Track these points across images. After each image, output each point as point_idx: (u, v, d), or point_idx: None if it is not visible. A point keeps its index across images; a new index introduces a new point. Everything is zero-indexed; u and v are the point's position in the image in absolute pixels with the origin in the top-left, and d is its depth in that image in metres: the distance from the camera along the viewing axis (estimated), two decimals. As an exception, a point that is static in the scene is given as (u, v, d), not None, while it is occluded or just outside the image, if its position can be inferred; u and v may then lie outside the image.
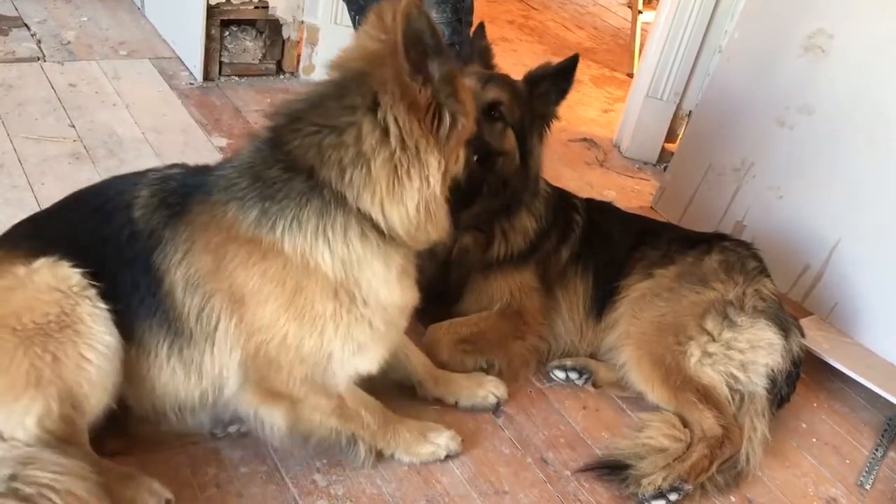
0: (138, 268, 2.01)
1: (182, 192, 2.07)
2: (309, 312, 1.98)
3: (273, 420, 2.13)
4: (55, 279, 1.93)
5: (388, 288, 2.05)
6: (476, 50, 2.84)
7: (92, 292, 1.95)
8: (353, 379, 2.16)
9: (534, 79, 2.72)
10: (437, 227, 2.02)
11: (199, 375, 2.07)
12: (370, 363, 2.14)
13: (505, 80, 2.71)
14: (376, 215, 1.93)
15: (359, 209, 1.93)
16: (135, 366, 2.04)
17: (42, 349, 1.87)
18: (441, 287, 2.82)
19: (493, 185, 2.68)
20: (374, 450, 2.28)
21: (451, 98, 1.89)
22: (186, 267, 1.98)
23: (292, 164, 1.95)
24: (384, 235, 1.98)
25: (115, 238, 2.03)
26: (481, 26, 2.91)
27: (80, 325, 1.91)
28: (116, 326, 1.98)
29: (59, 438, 1.87)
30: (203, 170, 2.16)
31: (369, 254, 1.98)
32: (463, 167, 2.06)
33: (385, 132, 1.86)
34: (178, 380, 2.07)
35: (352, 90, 1.90)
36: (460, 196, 2.16)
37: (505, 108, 2.64)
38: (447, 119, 1.90)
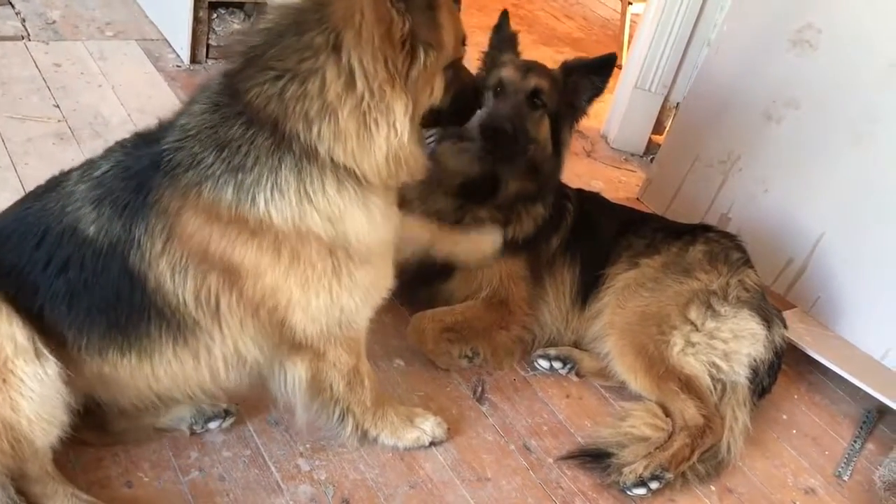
0: (114, 278, 1.87)
1: (134, 183, 1.87)
2: (311, 275, 1.91)
3: (297, 371, 2.09)
4: None
5: (375, 232, 1.97)
6: (503, 38, 2.86)
7: (30, 350, 1.82)
8: (369, 317, 2.13)
9: (568, 69, 2.75)
10: (410, 172, 1.94)
11: (210, 357, 1.99)
12: (379, 298, 2.11)
13: (544, 69, 2.75)
14: (350, 165, 1.85)
15: (332, 159, 1.83)
16: (133, 372, 1.98)
17: None
18: (431, 263, 2.82)
19: (524, 170, 2.71)
20: (360, 428, 2.27)
21: (428, 26, 1.78)
22: (170, 255, 1.85)
23: (254, 116, 1.81)
24: (360, 181, 1.89)
25: (75, 260, 1.87)
26: (505, 15, 2.92)
27: (10, 377, 1.80)
28: (103, 343, 1.92)
29: (8, 464, 1.84)
30: (146, 141, 1.95)
31: (349, 204, 1.89)
32: (443, 93, 1.95)
33: (351, 76, 1.74)
34: (188, 368, 1.99)
35: (311, 24, 1.76)
36: (448, 117, 2.10)
37: (546, 97, 2.68)
38: (421, 56, 1.79)
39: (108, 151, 1.99)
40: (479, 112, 2.42)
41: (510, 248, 2.80)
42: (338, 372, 2.13)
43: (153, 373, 1.98)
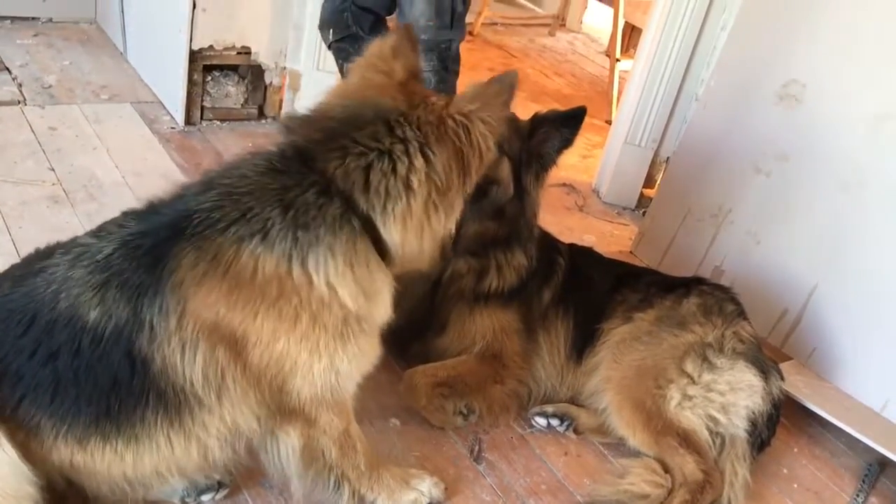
0: (114, 364, 1.83)
1: (149, 260, 1.83)
2: (322, 339, 1.92)
3: (289, 440, 2.06)
4: None
5: (387, 313, 2.06)
6: None
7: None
8: (357, 385, 2.13)
9: (538, 120, 2.77)
10: (431, 263, 2.07)
11: (206, 434, 1.94)
12: (369, 366, 2.13)
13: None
14: (396, 249, 1.95)
15: (385, 239, 1.94)
16: (111, 461, 1.91)
17: None
18: (425, 312, 2.82)
19: (488, 211, 2.71)
20: (357, 494, 2.22)
21: (489, 150, 1.98)
22: (183, 331, 1.82)
23: (329, 185, 1.88)
24: (390, 264, 1.99)
25: (67, 348, 1.82)
26: None
27: None
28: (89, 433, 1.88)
29: None
30: (152, 213, 1.94)
31: (380, 283, 1.98)
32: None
33: (431, 171, 1.90)
34: (177, 451, 1.94)
35: (399, 122, 1.90)
36: None
37: (503, 139, 2.68)
38: (477, 174, 2.00)
39: (103, 233, 1.94)
40: None
41: (498, 300, 2.79)
42: (329, 438, 2.11)
43: (135, 460, 1.92)
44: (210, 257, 1.81)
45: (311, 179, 1.88)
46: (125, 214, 1.99)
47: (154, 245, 1.84)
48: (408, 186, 1.89)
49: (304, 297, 1.87)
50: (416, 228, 1.94)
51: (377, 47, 2.03)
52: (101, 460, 1.91)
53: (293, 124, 2.01)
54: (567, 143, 2.76)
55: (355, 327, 1.97)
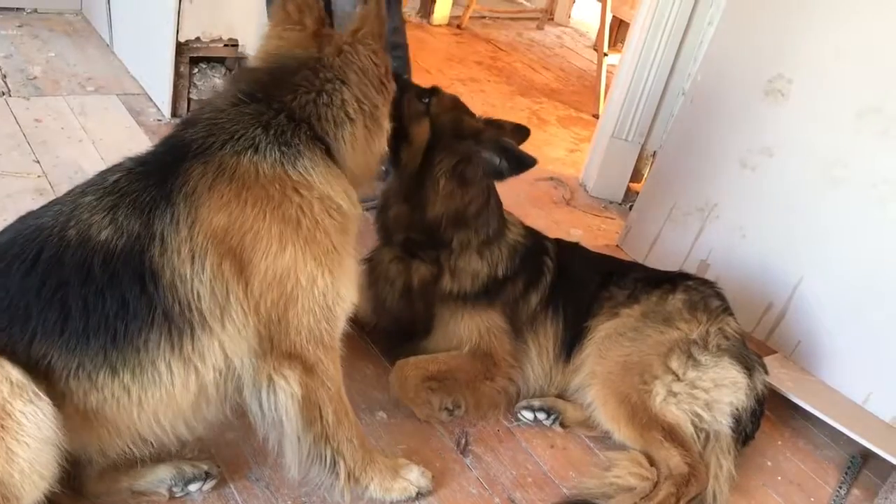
0: (124, 282, 1.86)
1: (156, 179, 1.93)
2: (327, 245, 2.05)
3: (287, 388, 2.04)
4: None
5: (360, 218, 2.24)
6: None
7: (27, 389, 1.77)
8: (344, 326, 2.19)
9: (490, 121, 2.78)
10: (376, 176, 2.38)
11: (203, 366, 1.94)
12: (351, 305, 2.18)
13: (456, 101, 2.77)
14: (351, 171, 2.16)
15: (339, 162, 2.14)
16: (120, 399, 1.91)
17: None
18: (407, 318, 2.83)
19: (398, 176, 2.73)
20: (352, 476, 2.20)
21: (385, 64, 2.21)
22: (192, 240, 1.88)
23: (293, 114, 2.08)
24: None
25: (77, 275, 1.84)
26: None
27: (8, 421, 1.74)
28: (95, 369, 1.87)
29: None
30: (156, 148, 2.09)
31: (353, 194, 2.16)
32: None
33: (359, 101, 2.15)
34: (177, 387, 1.93)
35: (320, 68, 2.13)
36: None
37: (435, 102, 2.68)
38: (392, 85, 2.24)
39: (106, 172, 2.03)
40: None
41: (473, 300, 2.77)
42: (326, 392, 2.10)
43: (141, 397, 1.92)
44: (216, 167, 1.95)
45: (277, 107, 2.07)
46: (129, 159, 2.08)
47: (160, 168, 1.98)
48: (348, 115, 2.14)
49: (306, 197, 2.02)
50: (363, 152, 2.19)
51: (283, 12, 2.22)
52: (111, 398, 1.90)
53: (239, 74, 2.27)
54: (499, 176, 2.67)
55: (347, 241, 2.12)
